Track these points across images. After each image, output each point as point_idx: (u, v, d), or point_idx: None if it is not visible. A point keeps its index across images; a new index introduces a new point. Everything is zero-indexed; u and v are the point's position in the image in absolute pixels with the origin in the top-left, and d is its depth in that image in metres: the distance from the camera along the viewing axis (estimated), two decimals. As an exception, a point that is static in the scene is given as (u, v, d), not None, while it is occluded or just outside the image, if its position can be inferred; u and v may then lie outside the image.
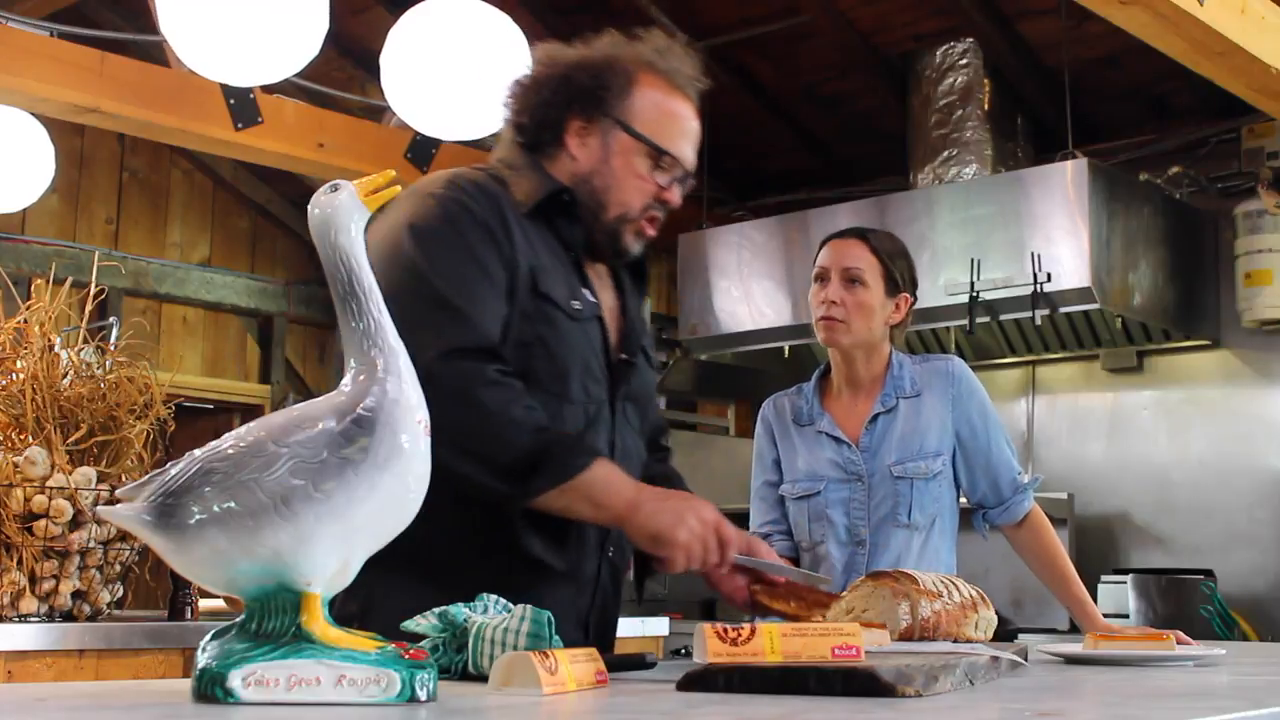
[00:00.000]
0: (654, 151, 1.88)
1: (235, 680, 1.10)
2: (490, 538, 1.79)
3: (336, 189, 1.22)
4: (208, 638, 1.16)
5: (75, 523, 2.73)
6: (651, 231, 1.93)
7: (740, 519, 2.74)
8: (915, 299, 2.65)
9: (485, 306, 1.75)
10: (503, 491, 1.71)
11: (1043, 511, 2.69)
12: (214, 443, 1.16)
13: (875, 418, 2.59)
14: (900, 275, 2.60)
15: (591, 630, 1.91)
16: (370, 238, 1.85)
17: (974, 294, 4.45)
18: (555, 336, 1.81)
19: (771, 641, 1.30)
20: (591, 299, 1.88)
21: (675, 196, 1.91)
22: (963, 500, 2.66)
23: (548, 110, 1.90)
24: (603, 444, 1.86)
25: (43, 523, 2.69)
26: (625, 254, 1.93)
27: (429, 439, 1.20)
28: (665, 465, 2.12)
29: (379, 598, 1.70)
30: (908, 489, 2.55)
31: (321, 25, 3.34)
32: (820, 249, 2.65)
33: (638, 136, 1.87)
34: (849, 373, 2.64)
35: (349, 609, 1.75)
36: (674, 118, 1.90)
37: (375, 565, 1.71)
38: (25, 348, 2.79)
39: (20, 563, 2.68)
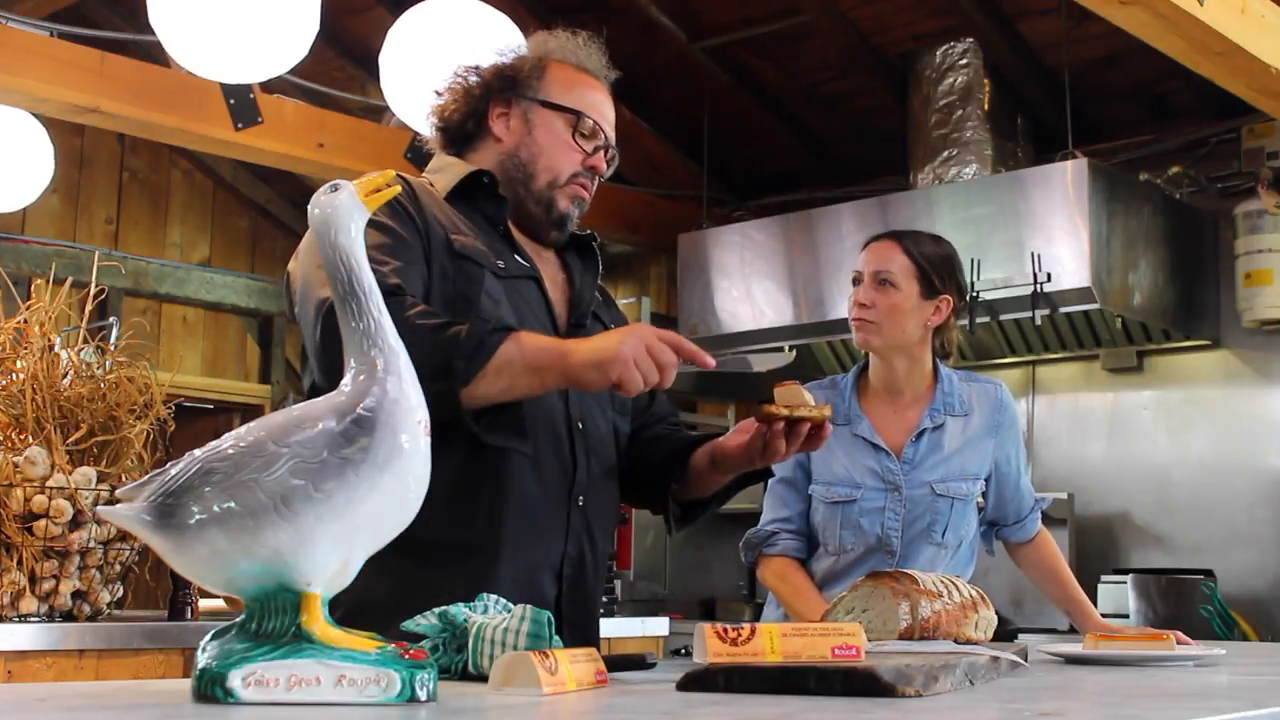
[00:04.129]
0: (571, 115, 1.98)
1: (235, 680, 1.10)
2: (452, 480, 1.75)
3: (336, 189, 1.23)
4: (208, 638, 1.16)
5: (75, 523, 2.73)
6: (585, 195, 2.01)
7: (744, 517, 2.76)
8: (963, 301, 2.64)
9: (392, 261, 1.76)
10: (434, 393, 1.70)
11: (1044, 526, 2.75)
12: (214, 443, 1.15)
13: (921, 432, 2.57)
14: (939, 277, 2.56)
15: (566, 583, 1.89)
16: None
17: (974, 294, 4.44)
18: (478, 293, 1.83)
19: (771, 641, 1.30)
20: (523, 263, 1.93)
21: (601, 164, 2.01)
22: None
23: (469, 104, 2.01)
24: (558, 405, 1.88)
25: (43, 523, 2.69)
26: (562, 221, 1.99)
27: (429, 438, 1.20)
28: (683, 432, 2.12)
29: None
30: (947, 508, 2.54)
31: (313, 23, 3.34)
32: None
33: (554, 106, 1.98)
34: (889, 378, 2.60)
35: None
36: (586, 92, 2.02)
37: None
38: (25, 348, 2.79)
39: (20, 563, 2.68)
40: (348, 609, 1.72)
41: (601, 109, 2.02)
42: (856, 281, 2.59)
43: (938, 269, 2.57)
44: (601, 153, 2.01)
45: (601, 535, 1.97)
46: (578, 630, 1.89)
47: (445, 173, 1.98)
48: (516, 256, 1.93)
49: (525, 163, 1.96)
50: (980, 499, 2.66)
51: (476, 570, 1.78)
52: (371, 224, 1.77)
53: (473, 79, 2.01)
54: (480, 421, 1.73)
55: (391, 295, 1.68)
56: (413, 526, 1.76)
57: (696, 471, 2.01)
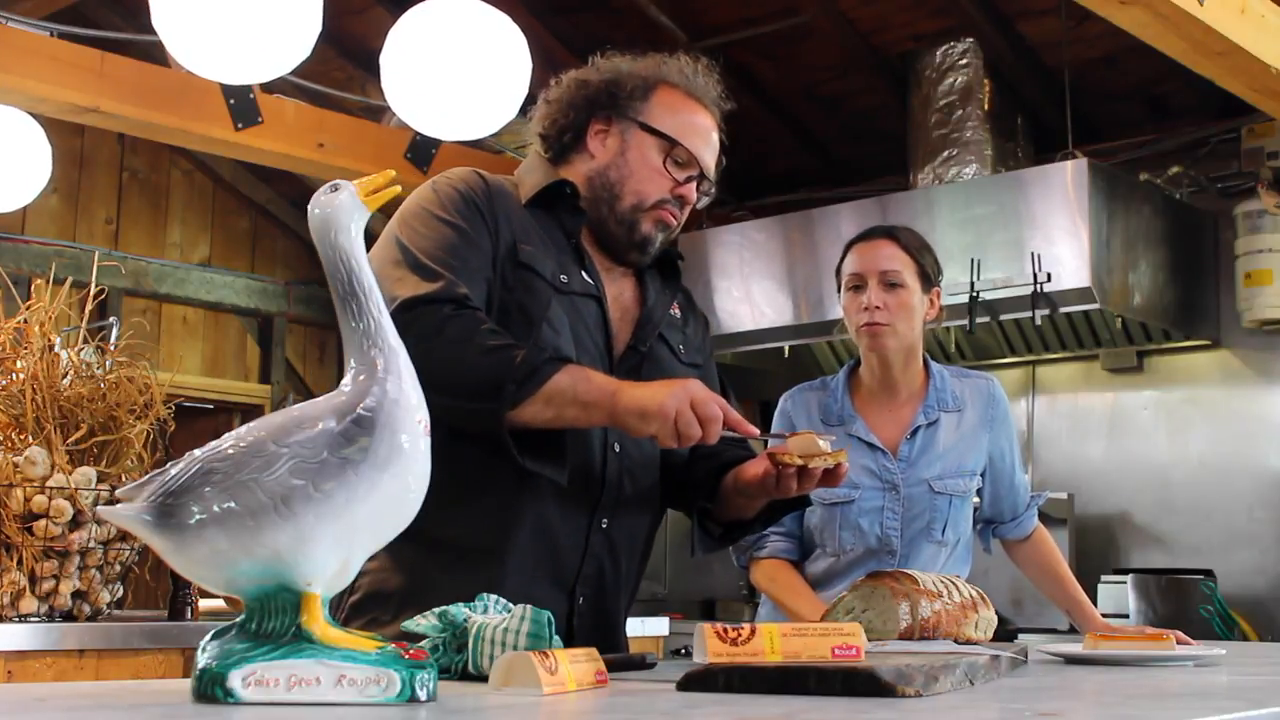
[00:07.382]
0: (667, 144, 1.95)
1: (235, 680, 1.10)
2: (472, 482, 1.78)
3: (336, 189, 1.22)
4: (208, 638, 1.16)
5: (75, 523, 2.73)
6: (671, 222, 1.98)
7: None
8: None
9: (461, 266, 1.78)
10: (481, 411, 1.70)
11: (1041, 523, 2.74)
12: (214, 443, 1.15)
13: (916, 429, 2.54)
14: (931, 269, 2.55)
15: (584, 601, 1.88)
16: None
17: (974, 294, 4.45)
18: (536, 305, 1.83)
19: (771, 641, 1.30)
20: (588, 280, 1.91)
21: (691, 194, 1.98)
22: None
23: (570, 115, 1.99)
24: (595, 429, 1.85)
25: (43, 523, 2.69)
26: (644, 244, 1.96)
27: (429, 438, 1.20)
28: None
29: (388, 571, 1.80)
30: (945, 505, 2.52)
31: (315, 24, 3.34)
32: (846, 253, 2.57)
33: (652, 131, 1.95)
34: (885, 377, 2.56)
35: (390, 586, 1.80)
36: (690, 121, 1.99)
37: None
38: (25, 348, 2.79)
39: (20, 563, 2.68)
40: (364, 594, 1.79)
41: (704, 137, 2.00)
42: (857, 286, 2.52)
43: (928, 261, 2.56)
44: (693, 183, 1.98)
45: (628, 556, 1.95)
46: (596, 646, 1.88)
47: (532, 176, 1.97)
48: (583, 273, 1.91)
49: (613, 183, 1.94)
50: (975, 497, 2.65)
51: (484, 575, 1.77)
52: (445, 222, 1.82)
53: (577, 90, 1.99)
54: (522, 446, 1.73)
55: (461, 305, 1.73)
56: (427, 523, 1.78)
57: (725, 493, 1.99)
